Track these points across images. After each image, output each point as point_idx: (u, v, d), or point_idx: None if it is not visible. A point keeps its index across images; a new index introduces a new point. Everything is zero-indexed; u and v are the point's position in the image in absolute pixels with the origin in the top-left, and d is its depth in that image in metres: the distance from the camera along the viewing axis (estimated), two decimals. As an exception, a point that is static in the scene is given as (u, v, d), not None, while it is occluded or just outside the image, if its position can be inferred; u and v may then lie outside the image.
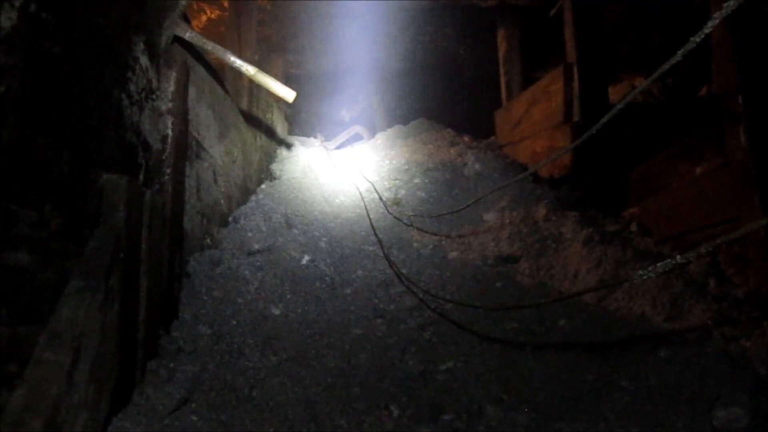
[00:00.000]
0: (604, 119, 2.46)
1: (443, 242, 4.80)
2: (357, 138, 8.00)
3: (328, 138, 7.84)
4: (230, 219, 4.33)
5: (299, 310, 3.72)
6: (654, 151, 4.46)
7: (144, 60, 2.83)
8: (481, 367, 3.46)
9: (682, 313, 3.34)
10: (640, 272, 1.94)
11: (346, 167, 6.56)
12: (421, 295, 4.16)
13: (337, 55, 8.22)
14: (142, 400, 2.40)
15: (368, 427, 2.94)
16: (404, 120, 7.84)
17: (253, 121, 5.31)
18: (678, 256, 1.86)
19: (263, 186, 5.28)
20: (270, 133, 5.82)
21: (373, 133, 8.09)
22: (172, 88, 2.99)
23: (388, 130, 7.72)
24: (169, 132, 2.97)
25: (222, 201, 4.15)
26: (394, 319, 3.94)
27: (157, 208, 2.76)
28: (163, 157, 2.95)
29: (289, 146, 6.26)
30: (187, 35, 3.04)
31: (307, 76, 8.25)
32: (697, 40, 2.28)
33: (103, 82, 2.46)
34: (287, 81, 6.63)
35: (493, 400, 3.18)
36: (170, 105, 2.98)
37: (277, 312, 3.50)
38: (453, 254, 4.61)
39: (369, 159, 6.85)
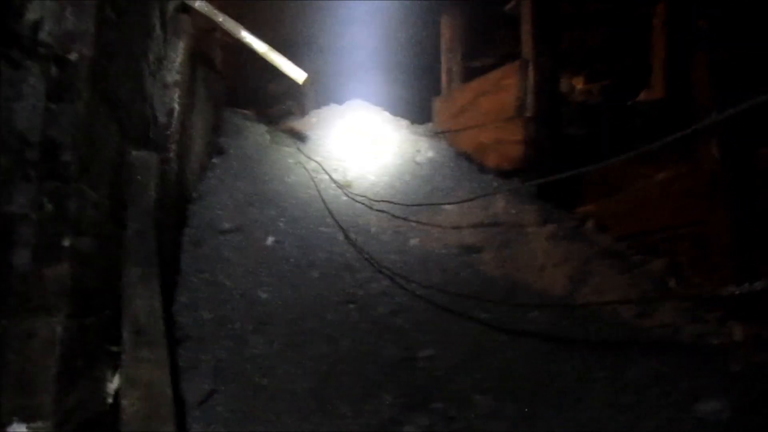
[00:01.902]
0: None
1: (402, 228, 4.83)
2: (288, 114, 7.82)
3: (259, 112, 7.62)
4: (194, 195, 4.14)
5: (278, 294, 3.65)
6: (609, 151, 4.70)
7: (158, 28, 2.64)
8: (460, 355, 3.53)
9: (651, 311, 3.57)
10: (744, 285, 2.02)
11: (287, 144, 6.42)
12: (388, 282, 4.18)
13: (271, 27, 7.96)
14: (167, 391, 2.28)
15: (369, 415, 2.95)
16: (337, 99, 7.74)
17: (207, 92, 5.07)
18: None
19: (214, 160, 5.07)
20: (217, 105, 5.59)
21: (303, 110, 7.94)
22: (179, 59, 2.82)
23: (323, 108, 7.59)
24: (176, 106, 2.80)
25: (190, 176, 3.96)
26: (365, 304, 3.94)
27: (167, 186, 2.61)
28: (168, 132, 2.78)
29: (231, 119, 6.03)
30: (197, 4, 2.87)
31: (240, 47, 7.93)
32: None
33: (135, 49, 2.28)
34: (222, 50, 6.37)
35: (480, 389, 3.25)
36: (177, 77, 2.81)
37: (264, 296, 3.42)
38: (414, 241, 4.66)
39: (307, 137, 6.72)
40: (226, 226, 3.94)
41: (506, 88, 5.53)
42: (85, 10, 1.71)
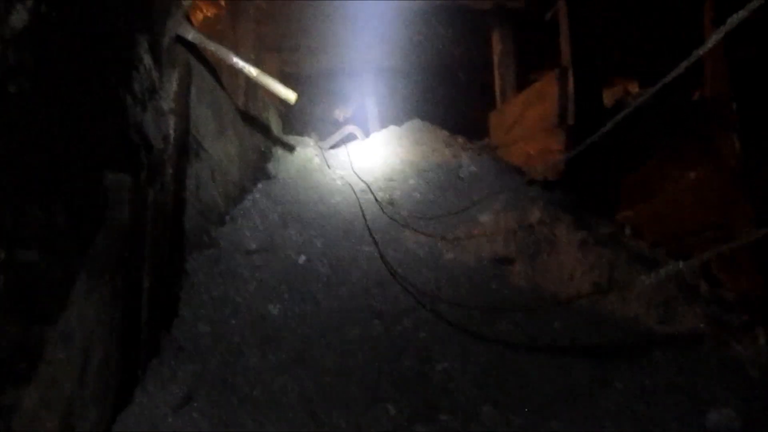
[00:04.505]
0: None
1: (439, 243, 4.82)
2: (351, 138, 8.00)
3: (322, 137, 7.84)
4: (227, 218, 4.34)
5: (296, 309, 3.74)
6: (645, 154, 4.51)
7: (148, 59, 2.84)
8: (477, 367, 3.48)
9: (675, 317, 3.39)
10: (642, 278, 1.96)
11: (340, 167, 6.57)
12: (416, 296, 4.18)
13: (332, 54, 8.22)
14: (144, 398, 2.42)
15: (366, 427, 2.96)
16: (398, 121, 7.84)
17: (250, 119, 5.31)
18: (681, 262, 1.87)
19: (259, 185, 5.28)
20: (266, 131, 5.83)
21: (366, 133, 8.09)
22: (174, 88, 3.01)
23: (383, 130, 7.71)
24: (171, 132, 2.98)
25: (219, 200, 4.16)
26: (391, 319, 3.95)
27: (159, 207, 2.78)
28: (165, 157, 2.96)
29: (284, 145, 6.27)
30: (191, 36, 3.06)
31: (302, 75, 8.25)
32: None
33: (108, 81, 2.47)
34: (282, 80, 6.61)
35: (489, 400, 3.20)
36: (172, 105, 3.00)
37: (275, 311, 3.52)
38: (449, 255, 4.64)
39: (363, 159, 6.86)
40: (253, 246, 4.10)
41: (548, 97, 5.44)
42: (25, 49, 1.89)
